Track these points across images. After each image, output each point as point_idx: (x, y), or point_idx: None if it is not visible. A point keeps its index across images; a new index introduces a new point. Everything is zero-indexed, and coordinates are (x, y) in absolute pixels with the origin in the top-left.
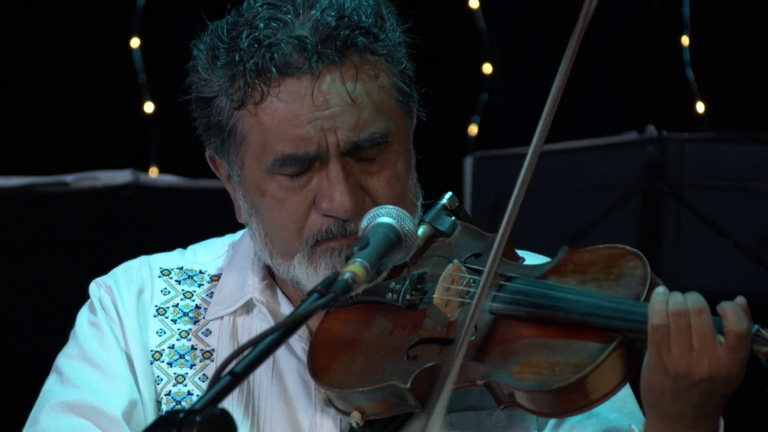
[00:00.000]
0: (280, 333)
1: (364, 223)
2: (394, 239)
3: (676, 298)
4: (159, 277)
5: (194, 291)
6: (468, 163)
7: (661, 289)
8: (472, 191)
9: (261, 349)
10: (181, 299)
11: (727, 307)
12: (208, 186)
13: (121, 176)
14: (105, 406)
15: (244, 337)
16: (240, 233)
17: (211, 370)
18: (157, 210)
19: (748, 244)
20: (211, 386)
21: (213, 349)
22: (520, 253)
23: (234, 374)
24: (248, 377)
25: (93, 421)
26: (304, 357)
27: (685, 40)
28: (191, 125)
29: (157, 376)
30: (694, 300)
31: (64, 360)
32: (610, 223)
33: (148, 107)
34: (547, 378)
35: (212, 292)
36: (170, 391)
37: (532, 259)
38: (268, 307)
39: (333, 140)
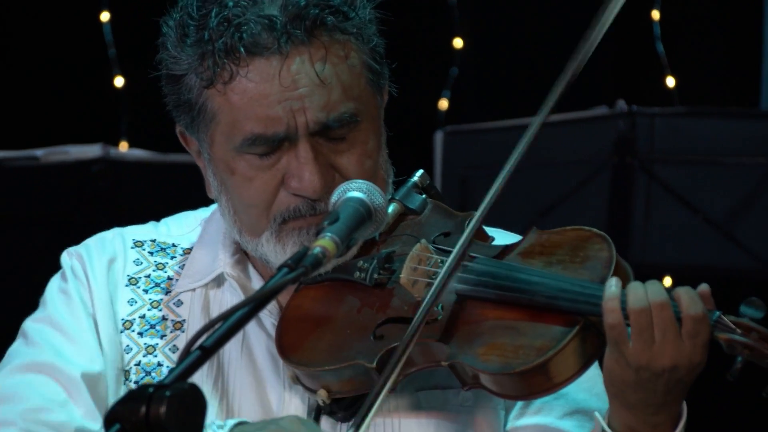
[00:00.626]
0: (250, 307)
1: (334, 198)
2: (365, 214)
3: (637, 293)
4: (132, 248)
5: (167, 263)
6: (438, 137)
7: (614, 285)
8: (443, 166)
9: (231, 323)
10: (154, 270)
11: (680, 292)
12: (178, 160)
13: (91, 150)
14: (66, 367)
15: (215, 310)
16: (212, 207)
17: (181, 342)
18: (127, 184)
19: (718, 218)
20: (180, 361)
21: (184, 320)
22: (490, 231)
23: (204, 349)
24: (218, 352)
25: (53, 377)
26: (273, 332)
27: (656, 15)
28: (161, 100)
29: (127, 345)
30: (655, 293)
31: (30, 324)
32: (580, 198)
33: (118, 81)
34: (511, 360)
35: (184, 265)
36: (140, 361)
37: (501, 237)
38: (238, 282)
39: (302, 121)
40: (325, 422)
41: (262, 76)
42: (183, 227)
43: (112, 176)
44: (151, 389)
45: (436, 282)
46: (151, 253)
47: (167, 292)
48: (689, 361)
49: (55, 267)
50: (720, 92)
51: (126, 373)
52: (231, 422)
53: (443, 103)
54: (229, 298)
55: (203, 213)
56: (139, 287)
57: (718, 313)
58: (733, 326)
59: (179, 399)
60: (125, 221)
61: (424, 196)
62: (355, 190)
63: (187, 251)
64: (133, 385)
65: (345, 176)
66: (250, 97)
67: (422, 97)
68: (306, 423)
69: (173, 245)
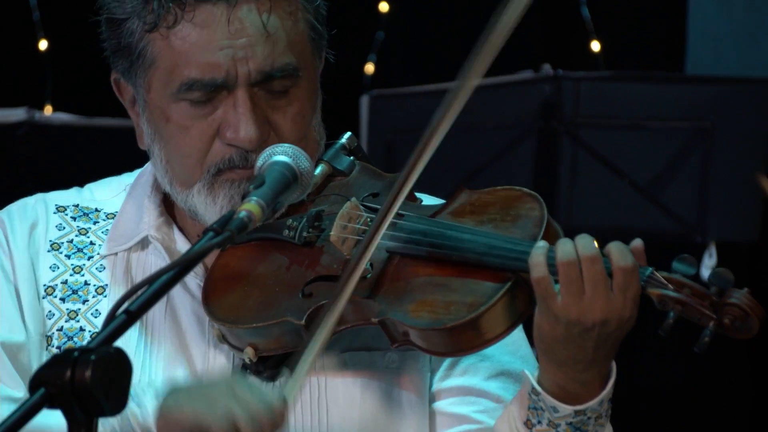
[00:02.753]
0: (176, 271)
1: (259, 162)
2: (290, 178)
3: (566, 247)
4: (54, 213)
5: (89, 228)
6: (364, 101)
7: (541, 243)
8: (369, 130)
9: (156, 287)
10: (76, 235)
11: (611, 246)
12: (103, 124)
13: (15, 114)
14: None
15: (138, 274)
16: (136, 172)
17: (103, 306)
18: (51, 148)
19: (644, 182)
20: (105, 325)
21: (106, 285)
22: (417, 194)
23: (129, 313)
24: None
25: None
26: (198, 293)
27: None
28: (86, 63)
29: (49, 311)
30: (585, 247)
31: None
32: (506, 162)
33: (43, 45)
34: (442, 316)
35: (107, 230)
36: (62, 326)
37: (429, 200)
38: (163, 244)
39: (244, 70)
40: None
41: (207, 23)
42: (106, 192)
43: (37, 140)
44: (76, 353)
45: (365, 239)
46: (74, 218)
47: (90, 258)
48: (619, 316)
49: None
50: (645, 57)
51: (48, 338)
52: (161, 386)
53: (369, 68)
54: (153, 260)
55: (127, 178)
56: (61, 252)
57: (650, 269)
58: (665, 282)
59: (104, 363)
60: (50, 185)
61: (351, 158)
62: (281, 154)
63: (110, 216)
64: (55, 351)
65: (278, 133)
66: (192, 42)
67: (348, 62)
68: (240, 379)
69: (96, 210)
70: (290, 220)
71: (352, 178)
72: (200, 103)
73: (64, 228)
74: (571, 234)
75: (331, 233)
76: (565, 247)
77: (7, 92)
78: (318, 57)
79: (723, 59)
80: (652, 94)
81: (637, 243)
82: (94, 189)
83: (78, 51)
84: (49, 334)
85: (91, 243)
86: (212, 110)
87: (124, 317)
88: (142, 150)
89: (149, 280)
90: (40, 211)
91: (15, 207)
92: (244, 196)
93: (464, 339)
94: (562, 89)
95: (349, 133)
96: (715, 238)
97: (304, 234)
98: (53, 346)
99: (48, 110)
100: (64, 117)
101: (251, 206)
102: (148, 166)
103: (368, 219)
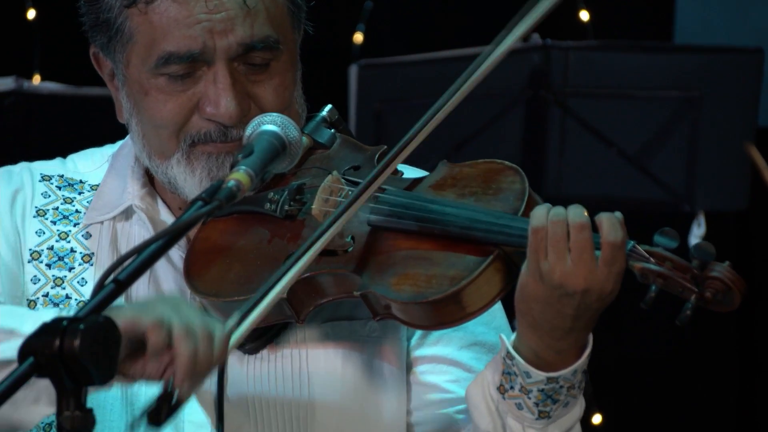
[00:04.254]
0: (164, 241)
1: (248, 131)
2: (279, 147)
3: (557, 210)
4: (40, 181)
5: (74, 197)
6: (353, 71)
7: (543, 203)
8: (357, 100)
9: (144, 257)
10: (62, 203)
11: (603, 218)
12: (92, 93)
13: (3, 83)
14: None
15: (123, 243)
16: (119, 143)
17: (90, 274)
18: (40, 117)
19: (632, 152)
20: (94, 294)
21: (93, 253)
22: (399, 167)
23: (118, 282)
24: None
25: None
26: (181, 265)
27: None
28: (74, 32)
29: (34, 276)
30: (576, 214)
31: None
32: (494, 132)
33: (31, 14)
34: (424, 290)
35: (92, 200)
36: (48, 293)
37: (410, 172)
38: (147, 214)
39: (223, 44)
40: (233, 355)
41: None
42: (90, 164)
43: (25, 109)
44: (65, 322)
45: (342, 206)
46: (59, 188)
47: (75, 225)
48: (601, 288)
49: None
50: (634, 26)
51: (32, 303)
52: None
53: (358, 37)
54: (137, 231)
55: (110, 149)
56: (47, 218)
57: (632, 242)
58: (647, 255)
59: (93, 332)
60: (38, 154)
61: (332, 130)
62: (270, 123)
63: (95, 187)
64: None
65: (260, 106)
66: (170, 17)
67: (337, 31)
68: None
69: (81, 181)
70: (271, 194)
71: (333, 151)
72: (178, 78)
73: (50, 196)
74: (559, 203)
75: (313, 207)
76: (557, 210)
77: None
78: (297, 30)
79: (711, 28)
80: (640, 64)
81: (618, 216)
82: (77, 160)
83: (66, 20)
84: (33, 298)
85: (77, 211)
86: (191, 85)
87: (112, 286)
88: None
89: (137, 250)
90: (25, 178)
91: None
92: (232, 166)
93: (446, 312)
94: (550, 58)
95: (329, 106)
96: (703, 207)
97: (286, 207)
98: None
99: (36, 79)
100: (52, 86)
101: (240, 175)
102: (128, 138)
103: (349, 192)
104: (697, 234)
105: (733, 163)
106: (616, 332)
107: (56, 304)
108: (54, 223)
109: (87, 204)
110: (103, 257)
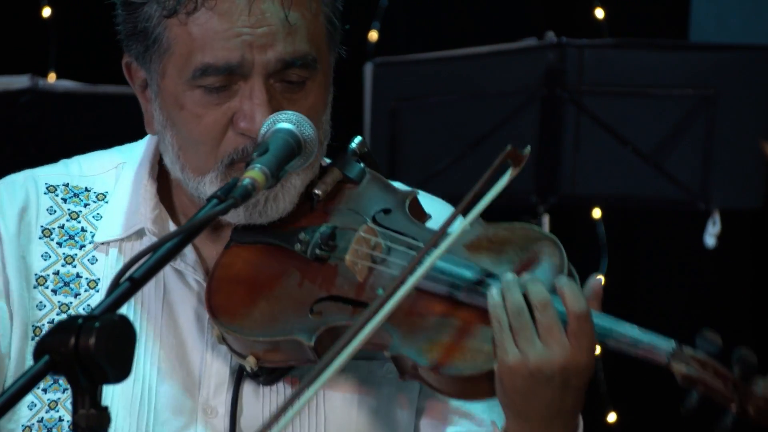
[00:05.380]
0: (180, 239)
1: (263, 129)
2: (294, 145)
3: (514, 291)
4: (45, 194)
5: (80, 211)
6: (368, 69)
7: (509, 276)
8: (372, 98)
9: (160, 255)
10: (67, 220)
11: (564, 287)
12: (107, 92)
13: (18, 81)
14: None
15: None
16: (127, 148)
17: (95, 301)
18: (55, 115)
19: (647, 149)
20: (109, 292)
21: (98, 279)
22: (422, 199)
23: (133, 280)
24: (139, 309)
25: None
26: (197, 288)
27: None
28: (89, 31)
29: (40, 302)
30: (536, 292)
31: None
32: (510, 130)
33: (46, 12)
34: (459, 363)
35: (98, 214)
36: (53, 319)
37: (433, 206)
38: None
39: (262, 59)
40: (248, 385)
41: (227, 11)
42: (96, 168)
43: (40, 107)
44: (80, 320)
45: (395, 284)
46: (65, 200)
47: (81, 247)
48: (576, 363)
49: None
50: (649, 24)
51: (37, 329)
52: None
53: (373, 35)
54: None
55: (119, 154)
56: (53, 240)
57: (674, 342)
58: (689, 358)
59: (109, 330)
60: (53, 153)
61: (362, 164)
62: (285, 121)
63: (101, 196)
64: None
65: None
66: (211, 29)
67: (352, 29)
68: None
69: (86, 189)
70: (302, 234)
71: (363, 188)
72: (214, 90)
73: (55, 212)
74: (575, 202)
75: (347, 256)
76: (513, 295)
77: (11, 59)
78: (332, 52)
79: (727, 26)
80: (656, 62)
81: (595, 283)
82: (82, 163)
83: (82, 18)
84: (39, 325)
85: (83, 229)
86: (226, 99)
87: (127, 284)
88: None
89: (152, 248)
90: (30, 192)
91: (3, 187)
92: (248, 164)
93: (477, 388)
94: (565, 57)
95: (359, 138)
96: (718, 205)
97: (317, 252)
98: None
99: (51, 77)
100: (67, 84)
101: (255, 173)
102: (142, 147)
103: (383, 245)
104: (712, 232)
105: (748, 161)
106: (627, 306)
107: None
108: (60, 245)
109: (93, 219)
110: (108, 284)
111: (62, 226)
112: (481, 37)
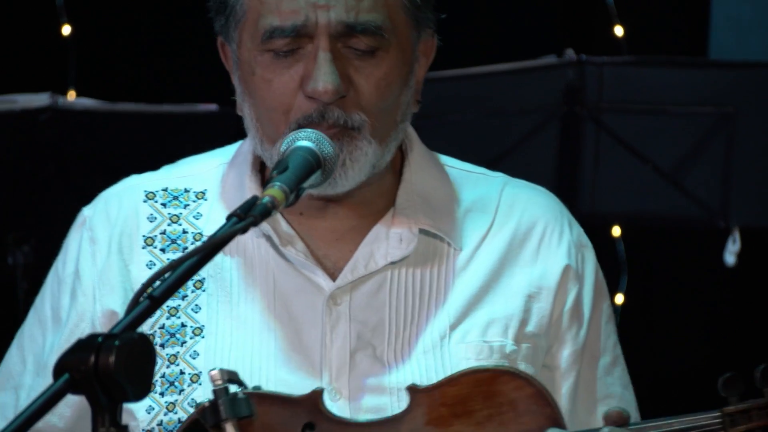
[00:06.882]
0: (199, 257)
1: (283, 147)
2: (314, 163)
3: None
4: (144, 202)
5: (180, 213)
6: None
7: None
8: None
9: (179, 273)
10: (168, 224)
11: None
12: (126, 109)
13: (38, 99)
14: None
15: (235, 255)
16: (229, 149)
17: (203, 301)
18: (74, 133)
19: (667, 167)
20: (129, 311)
21: (203, 278)
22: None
23: (152, 298)
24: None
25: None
26: (307, 272)
27: None
28: (109, 49)
29: None
30: None
31: (32, 309)
32: (529, 148)
33: (66, 30)
34: None
35: (199, 213)
36: (163, 324)
37: (527, 191)
38: (270, 224)
39: (323, 18)
40: (365, 362)
41: None
42: (195, 168)
43: (60, 125)
44: (99, 339)
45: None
46: (164, 205)
47: (184, 249)
48: None
49: (3, 216)
50: (668, 41)
51: (150, 337)
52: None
53: None
54: (254, 243)
55: (221, 155)
56: (155, 247)
57: (717, 412)
58: (737, 416)
59: (128, 348)
60: (73, 171)
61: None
62: (304, 139)
63: (200, 195)
64: (159, 349)
65: (359, 93)
66: None
67: None
68: None
69: (186, 190)
70: None
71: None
72: (283, 54)
73: (155, 219)
74: (594, 220)
75: None
76: None
77: (31, 77)
78: (416, 30)
79: (746, 44)
80: (675, 79)
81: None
82: (182, 165)
83: (101, 36)
84: (151, 332)
85: (184, 231)
86: (294, 63)
87: (147, 303)
88: (164, 137)
89: (173, 266)
90: (129, 204)
91: (101, 205)
92: (267, 182)
93: None
94: (585, 74)
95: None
96: (738, 223)
97: None
98: (156, 344)
99: (71, 95)
100: (87, 102)
101: (274, 192)
102: (242, 145)
103: None
104: (732, 250)
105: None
106: (650, 344)
107: (172, 334)
108: (163, 251)
109: (193, 219)
110: (215, 284)
111: (164, 232)
112: (500, 54)
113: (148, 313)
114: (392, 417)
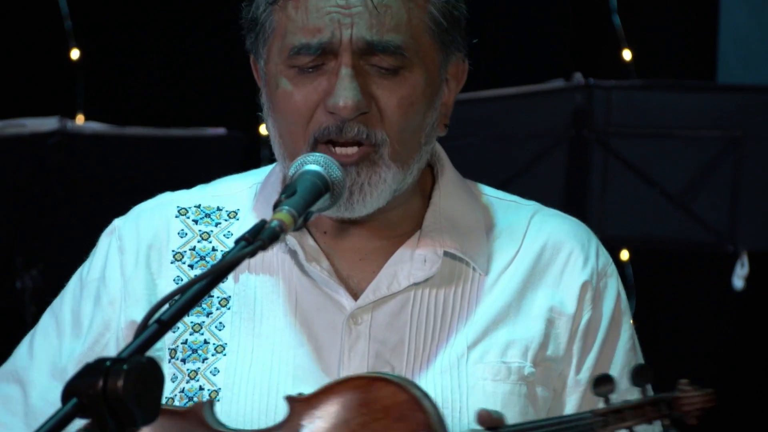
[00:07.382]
0: (208, 280)
1: (291, 171)
2: (322, 187)
3: None
4: (176, 217)
5: (211, 231)
6: None
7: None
8: None
9: (188, 297)
10: (198, 241)
11: None
12: (135, 133)
13: (47, 123)
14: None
15: (260, 278)
16: (263, 170)
17: (227, 319)
18: (83, 157)
19: (675, 191)
20: (137, 335)
21: (230, 297)
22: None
23: (161, 322)
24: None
25: (19, 403)
26: (326, 288)
27: None
28: (117, 73)
29: (176, 326)
30: None
31: (49, 310)
32: (536, 172)
33: (75, 54)
34: None
35: (230, 231)
36: (186, 339)
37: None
38: (298, 241)
39: (347, 35)
40: None
41: None
42: (229, 188)
43: (69, 149)
44: (108, 363)
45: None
46: (196, 221)
47: None
48: None
49: (12, 241)
50: (676, 65)
51: (172, 351)
52: None
53: None
54: (279, 257)
55: (255, 176)
56: (184, 263)
57: (588, 413)
58: (609, 417)
59: (137, 372)
60: (82, 194)
61: None
62: (313, 162)
63: (232, 214)
64: (180, 363)
65: (382, 110)
66: (304, 8)
67: None
68: None
69: (218, 209)
70: None
71: None
72: (308, 70)
73: (186, 234)
74: (603, 243)
75: None
76: None
77: (40, 101)
78: (443, 53)
79: (754, 68)
80: (683, 103)
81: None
82: (217, 185)
83: (110, 60)
84: (173, 347)
85: (213, 249)
86: (317, 77)
87: (156, 327)
88: (173, 161)
89: (181, 290)
90: (160, 219)
91: (132, 220)
92: (275, 206)
93: None
94: (593, 98)
95: None
96: (746, 247)
97: None
98: (177, 359)
99: (80, 119)
100: (95, 126)
101: (283, 215)
102: (276, 166)
103: None
104: (740, 274)
105: None
106: (658, 368)
107: (195, 350)
108: (191, 267)
109: (224, 237)
110: (239, 301)
111: (193, 248)
112: (508, 78)
113: (156, 336)
114: (267, 429)
